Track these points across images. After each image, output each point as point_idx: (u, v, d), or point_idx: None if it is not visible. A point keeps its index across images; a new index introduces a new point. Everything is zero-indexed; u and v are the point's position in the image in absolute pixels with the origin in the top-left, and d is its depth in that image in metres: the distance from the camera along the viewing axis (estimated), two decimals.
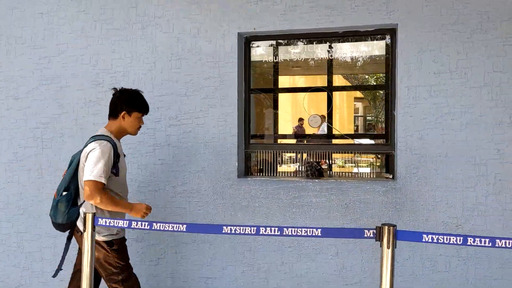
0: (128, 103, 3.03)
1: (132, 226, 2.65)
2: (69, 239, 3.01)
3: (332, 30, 3.67)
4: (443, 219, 3.40)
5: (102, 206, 2.85)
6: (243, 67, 3.85)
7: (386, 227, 2.34)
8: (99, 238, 2.90)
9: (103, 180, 2.82)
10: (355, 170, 4.36)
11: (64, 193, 2.91)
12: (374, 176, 3.94)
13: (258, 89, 4.16)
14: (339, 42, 3.91)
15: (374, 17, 3.50)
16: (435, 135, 3.39)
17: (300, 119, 9.60)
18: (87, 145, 2.94)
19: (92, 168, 2.81)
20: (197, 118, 3.81)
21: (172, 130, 3.86)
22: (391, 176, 3.67)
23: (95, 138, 2.95)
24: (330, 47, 3.89)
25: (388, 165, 3.76)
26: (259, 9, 3.67)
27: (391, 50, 3.63)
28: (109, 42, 3.98)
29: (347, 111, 17.28)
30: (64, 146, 4.05)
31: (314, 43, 3.94)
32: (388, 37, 3.70)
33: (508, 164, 3.28)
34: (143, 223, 2.62)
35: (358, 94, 18.64)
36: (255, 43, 3.97)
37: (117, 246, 2.99)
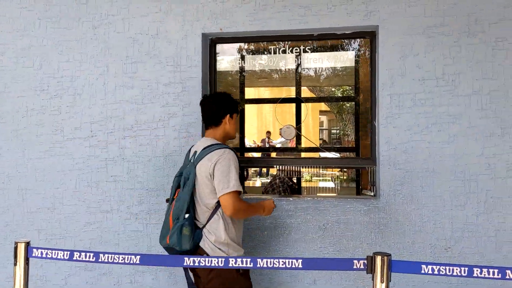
0: (228, 106, 2.76)
1: (74, 258, 2.19)
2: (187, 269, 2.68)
3: (306, 32, 3.33)
4: (430, 241, 3.06)
5: (244, 215, 2.64)
6: (208, 72, 3.44)
7: (379, 257, 1.98)
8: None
9: (240, 188, 2.55)
10: (328, 184, 4.01)
11: (186, 215, 2.55)
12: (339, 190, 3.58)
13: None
14: (311, 51, 3.57)
15: (353, 19, 3.17)
16: (420, 148, 3.07)
17: (268, 132, 9.23)
18: (201, 158, 2.59)
19: (227, 179, 2.50)
20: (155, 128, 3.37)
21: (127, 142, 3.40)
22: (372, 194, 3.32)
23: (210, 148, 2.60)
24: (298, 57, 3.54)
25: (365, 181, 3.41)
26: (227, 7, 3.29)
27: (371, 54, 3.31)
28: (55, 42, 3.50)
29: (312, 123, 17.09)
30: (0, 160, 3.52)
31: (281, 52, 3.57)
32: (358, 46, 3.39)
33: (500, 180, 3.00)
34: (88, 254, 2.17)
35: (324, 107, 18.49)
36: (221, 46, 3.58)
37: (243, 270, 2.58)
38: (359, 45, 3.64)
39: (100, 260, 2.14)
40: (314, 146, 3.80)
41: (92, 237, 3.44)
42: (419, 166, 3.07)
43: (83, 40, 3.47)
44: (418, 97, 3.08)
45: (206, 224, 2.56)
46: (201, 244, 2.54)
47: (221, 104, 2.73)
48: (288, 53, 3.53)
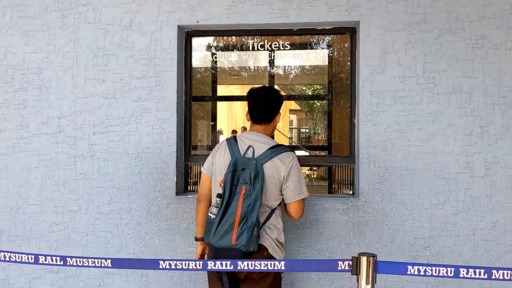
0: (280, 102, 2.64)
1: (40, 261, 2.04)
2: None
3: (286, 27, 3.24)
4: (409, 240, 3.03)
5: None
6: (184, 66, 3.31)
7: (365, 257, 1.90)
8: (276, 255, 2.47)
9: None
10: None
11: (255, 215, 2.36)
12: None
13: (199, 96, 3.64)
14: (287, 47, 3.49)
15: (334, 14, 3.10)
16: (400, 146, 3.03)
17: (234, 131, 9.13)
18: (270, 157, 2.44)
19: (300, 185, 2.50)
20: (127, 124, 3.22)
21: (97, 138, 3.24)
22: (351, 192, 3.27)
23: (279, 150, 2.48)
24: (271, 55, 3.46)
25: (338, 180, 3.35)
26: None
27: (351, 51, 3.25)
28: (21, 32, 3.30)
29: (282, 122, 17.08)
30: None
31: (259, 47, 3.48)
32: (332, 43, 3.33)
33: (478, 179, 2.98)
34: (55, 258, 2.02)
35: (294, 105, 18.49)
36: (197, 39, 3.45)
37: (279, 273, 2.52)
38: (331, 43, 3.58)
39: (68, 263, 2.00)
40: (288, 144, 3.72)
41: (58, 238, 3.26)
42: (398, 165, 3.03)
43: (51, 30, 3.28)
44: (398, 94, 3.03)
45: (265, 222, 2.46)
46: (261, 241, 2.42)
47: (275, 100, 2.60)
48: (267, 49, 3.43)
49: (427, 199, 3.01)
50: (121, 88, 3.22)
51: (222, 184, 2.42)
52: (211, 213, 2.46)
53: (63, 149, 3.26)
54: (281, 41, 3.42)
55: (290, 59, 3.63)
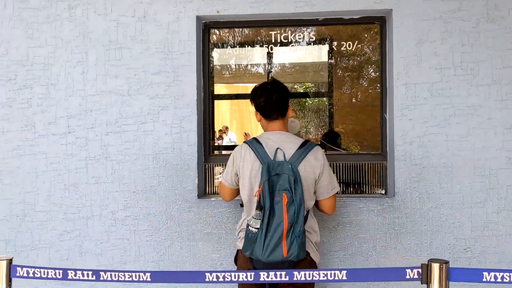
0: (288, 94, 2.46)
1: (70, 277, 1.81)
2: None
3: (311, 16, 3.04)
4: (449, 241, 2.85)
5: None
6: (202, 60, 3.09)
7: (437, 264, 1.70)
8: (315, 258, 2.32)
9: None
10: None
11: (301, 222, 2.17)
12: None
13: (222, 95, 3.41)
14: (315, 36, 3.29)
15: (363, 2, 2.91)
16: (438, 141, 2.86)
17: (246, 134, 8.92)
18: (302, 157, 2.25)
19: (333, 178, 2.36)
20: (143, 123, 2.99)
21: (110, 139, 3.00)
22: (383, 192, 3.08)
23: (308, 146, 2.30)
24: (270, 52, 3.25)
25: (369, 179, 3.16)
26: None
27: (381, 42, 3.07)
28: (24, 25, 3.05)
29: None
30: None
31: (278, 43, 3.26)
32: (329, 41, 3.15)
33: None
34: (86, 272, 1.79)
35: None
36: (216, 31, 3.23)
37: None
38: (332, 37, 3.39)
39: (101, 278, 1.77)
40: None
41: (70, 247, 3.01)
42: (436, 161, 2.85)
43: (57, 22, 3.03)
44: (436, 87, 2.86)
45: (304, 225, 2.24)
46: (310, 250, 2.28)
47: (285, 91, 2.43)
48: (290, 41, 3.21)
49: (467, 197, 2.84)
50: (135, 84, 2.99)
51: (259, 195, 2.19)
52: (252, 227, 2.19)
53: (73, 151, 3.01)
54: (307, 31, 3.21)
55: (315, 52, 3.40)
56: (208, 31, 3.13)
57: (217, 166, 3.20)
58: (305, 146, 2.29)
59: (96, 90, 3.01)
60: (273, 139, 2.32)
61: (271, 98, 2.38)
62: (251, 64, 3.42)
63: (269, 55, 3.24)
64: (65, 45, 3.02)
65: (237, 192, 2.45)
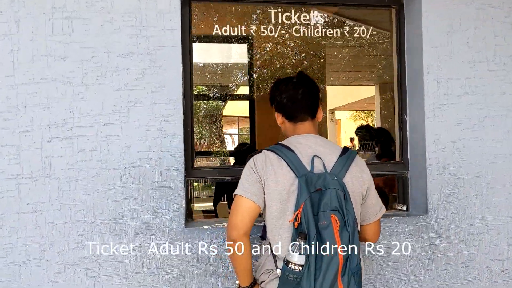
0: (318, 90, 1.89)
1: None
2: None
3: None
4: (486, 263, 2.45)
5: None
6: (188, 39, 2.31)
7: None
8: None
9: None
10: None
11: (358, 252, 1.65)
12: None
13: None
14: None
15: None
16: (472, 147, 2.44)
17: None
18: (346, 167, 1.71)
19: (377, 196, 1.84)
20: (106, 125, 2.12)
21: (56, 148, 2.08)
22: (404, 208, 2.58)
23: (350, 154, 1.76)
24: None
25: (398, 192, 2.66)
26: None
27: (398, 28, 2.58)
28: None
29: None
30: None
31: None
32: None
33: None
34: None
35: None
36: (197, 4, 2.47)
37: None
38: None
39: None
40: None
41: None
42: (471, 170, 2.43)
43: None
44: (469, 83, 2.44)
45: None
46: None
47: (315, 86, 1.87)
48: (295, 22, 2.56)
49: (504, 211, 2.47)
50: (94, 70, 2.11)
51: (299, 219, 1.59)
52: (294, 264, 1.56)
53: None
54: (316, 13, 2.60)
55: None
56: (189, 4, 2.36)
57: (201, 182, 2.43)
58: (347, 154, 1.75)
59: (32, 77, 2.07)
60: (307, 144, 1.74)
61: (296, 95, 1.81)
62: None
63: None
64: None
65: (257, 214, 1.75)
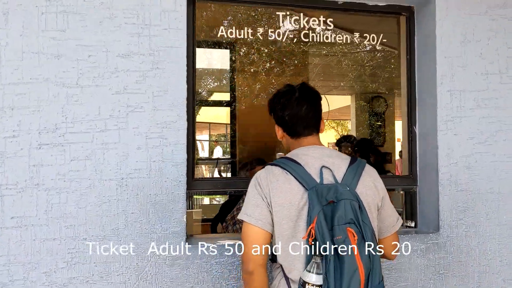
0: (321, 103, 1.79)
1: None
2: None
3: None
4: (497, 283, 2.36)
5: None
6: (193, 41, 2.14)
7: None
8: None
9: None
10: None
11: (379, 267, 1.50)
12: None
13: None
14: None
15: None
16: (484, 162, 2.35)
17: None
18: (357, 178, 1.58)
19: (393, 207, 1.72)
20: (102, 131, 1.93)
21: (45, 155, 1.87)
22: (412, 224, 2.47)
23: (360, 164, 1.63)
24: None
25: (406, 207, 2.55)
26: None
27: (408, 36, 2.48)
28: None
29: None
30: None
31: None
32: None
33: None
34: None
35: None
36: (203, 3, 2.31)
37: None
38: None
39: None
40: None
41: None
42: (483, 186, 2.34)
43: None
44: (482, 96, 2.36)
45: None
46: None
47: (318, 101, 1.75)
48: (303, 26, 2.43)
49: None
50: (90, 71, 1.92)
51: (313, 234, 1.45)
52: (311, 284, 1.43)
53: None
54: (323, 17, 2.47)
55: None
56: (193, 3, 2.19)
57: (198, 194, 2.26)
58: (357, 162, 1.64)
59: (21, 76, 1.86)
60: (313, 155, 1.61)
61: (300, 111, 1.68)
62: None
63: None
64: None
65: (268, 239, 1.59)
